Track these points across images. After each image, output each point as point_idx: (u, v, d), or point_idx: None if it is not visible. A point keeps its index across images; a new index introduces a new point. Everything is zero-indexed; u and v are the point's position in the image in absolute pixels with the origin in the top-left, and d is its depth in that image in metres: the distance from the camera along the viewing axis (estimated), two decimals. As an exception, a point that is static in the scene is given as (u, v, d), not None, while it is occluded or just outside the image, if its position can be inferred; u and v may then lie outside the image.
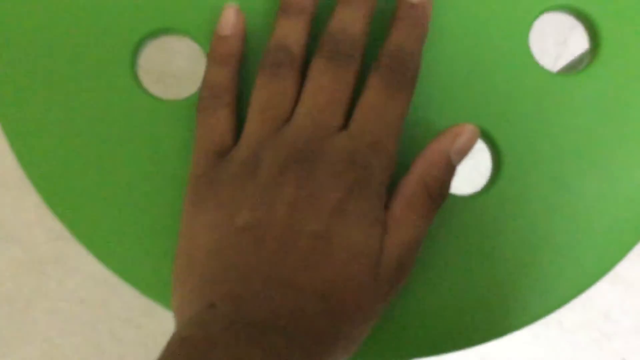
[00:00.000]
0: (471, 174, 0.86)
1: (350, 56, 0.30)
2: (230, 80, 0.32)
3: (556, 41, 0.96)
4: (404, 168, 0.31)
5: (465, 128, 0.30)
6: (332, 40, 0.30)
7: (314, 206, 0.28)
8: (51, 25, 0.34)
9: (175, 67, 0.97)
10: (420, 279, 0.33)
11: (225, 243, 0.29)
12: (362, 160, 0.29)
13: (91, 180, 0.33)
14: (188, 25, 0.34)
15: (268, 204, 0.28)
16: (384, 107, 0.30)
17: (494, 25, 0.33)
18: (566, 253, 0.33)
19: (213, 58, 0.32)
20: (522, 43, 0.33)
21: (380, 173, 0.29)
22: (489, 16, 0.33)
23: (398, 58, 0.30)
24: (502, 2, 0.33)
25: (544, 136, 0.33)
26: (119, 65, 0.34)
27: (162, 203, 0.33)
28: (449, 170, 0.30)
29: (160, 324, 0.96)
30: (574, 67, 0.61)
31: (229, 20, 0.32)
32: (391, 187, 0.30)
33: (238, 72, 0.33)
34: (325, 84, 0.30)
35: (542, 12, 0.33)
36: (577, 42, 0.96)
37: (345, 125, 0.30)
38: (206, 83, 0.32)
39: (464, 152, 0.30)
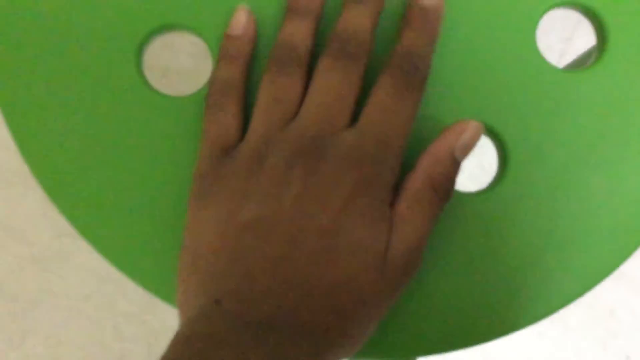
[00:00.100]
0: (475, 172, 0.86)
1: (357, 55, 0.30)
2: (239, 78, 0.32)
3: (561, 38, 0.96)
4: (410, 165, 0.30)
5: (469, 124, 0.30)
6: (340, 39, 0.31)
7: (321, 203, 0.28)
8: (57, 20, 0.34)
9: (178, 64, 0.97)
10: (425, 277, 0.33)
11: (231, 239, 0.29)
12: (369, 158, 0.29)
13: (96, 176, 0.33)
14: (193, 21, 0.34)
15: (274, 199, 0.28)
16: (393, 107, 0.30)
17: (501, 21, 0.33)
18: (572, 251, 0.33)
19: (223, 56, 0.33)
20: (529, 39, 0.33)
21: (387, 170, 0.29)
22: (496, 12, 0.33)
23: (409, 59, 0.30)
24: (509, -2, 0.33)
25: (550, 133, 0.33)
26: (125, 61, 0.34)
27: (167, 199, 0.33)
28: (454, 167, 0.30)
29: (164, 320, 0.96)
30: (580, 64, 0.61)
31: (240, 20, 0.33)
32: (396, 185, 0.30)
33: (246, 71, 0.33)
34: (332, 82, 0.30)
35: (549, 8, 0.33)
36: (582, 39, 0.96)
37: (351, 124, 0.30)
38: (215, 80, 0.33)
39: (468, 148, 0.30)
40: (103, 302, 0.96)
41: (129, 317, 0.96)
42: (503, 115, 0.33)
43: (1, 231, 0.97)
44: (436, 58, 0.33)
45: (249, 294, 0.27)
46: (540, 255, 0.33)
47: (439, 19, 0.32)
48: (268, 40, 0.34)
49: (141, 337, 0.96)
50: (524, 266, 0.33)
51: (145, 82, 0.34)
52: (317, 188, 0.28)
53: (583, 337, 0.96)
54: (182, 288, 0.30)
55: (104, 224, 0.33)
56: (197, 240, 0.30)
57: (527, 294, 0.33)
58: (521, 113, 0.33)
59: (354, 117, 0.31)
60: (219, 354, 0.24)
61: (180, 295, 0.30)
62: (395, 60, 0.31)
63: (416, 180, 0.30)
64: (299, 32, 0.32)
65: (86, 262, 0.97)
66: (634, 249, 0.33)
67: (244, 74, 0.33)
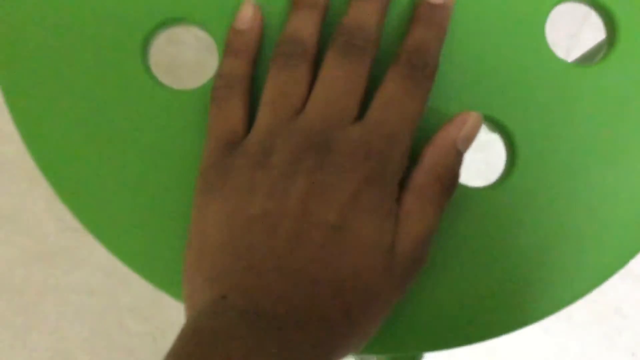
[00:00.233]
0: (481, 168, 0.85)
1: (364, 49, 0.30)
2: (245, 72, 0.32)
3: (567, 34, 0.95)
4: (416, 159, 0.30)
5: (469, 115, 0.30)
6: (346, 32, 0.31)
7: (328, 197, 0.28)
8: (62, 13, 0.34)
9: (183, 58, 0.97)
10: (432, 272, 0.32)
11: (237, 233, 0.29)
12: (377, 152, 0.29)
13: (102, 170, 0.33)
14: (200, 15, 0.34)
15: (281, 194, 0.28)
16: (401, 101, 0.30)
17: (511, 15, 0.33)
18: (580, 247, 0.33)
19: (229, 50, 0.33)
20: (539, 33, 0.33)
21: (394, 165, 0.29)
22: (506, 5, 0.33)
23: (418, 55, 0.30)
24: (518, -8, 0.33)
25: (559, 128, 0.33)
26: (131, 54, 0.34)
27: (173, 193, 0.33)
28: (458, 158, 0.30)
29: (170, 315, 0.96)
30: (588, 59, 0.61)
31: (247, 14, 0.33)
32: (402, 180, 0.30)
33: (253, 64, 0.33)
34: (339, 76, 0.30)
35: (559, 2, 0.33)
36: (589, 35, 0.96)
37: (358, 118, 0.30)
38: (221, 73, 0.32)
39: (470, 140, 0.31)
40: (108, 297, 0.96)
41: (134, 312, 0.96)
42: (511, 110, 0.33)
43: (6, 225, 0.98)
44: (445, 52, 0.33)
45: (255, 288, 0.27)
46: (549, 251, 0.32)
47: (448, 15, 0.32)
48: (275, 34, 0.33)
49: (146, 332, 0.96)
50: (532, 262, 0.32)
51: (152, 76, 0.34)
52: (324, 183, 0.28)
53: (588, 334, 0.96)
54: (188, 283, 0.30)
55: (110, 217, 0.33)
56: (203, 235, 0.30)
57: (535, 290, 0.32)
58: (530, 107, 0.33)
59: (361, 111, 0.30)
60: (225, 348, 0.24)
61: (186, 290, 0.30)
62: (403, 55, 0.30)
63: (421, 174, 0.30)
64: (306, 26, 0.32)
65: (91, 256, 0.97)
66: (644, 244, 0.33)
67: (250, 68, 0.33)
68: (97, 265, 0.97)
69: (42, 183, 0.97)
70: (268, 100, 0.31)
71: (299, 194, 0.28)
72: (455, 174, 0.30)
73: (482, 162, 0.87)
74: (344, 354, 0.28)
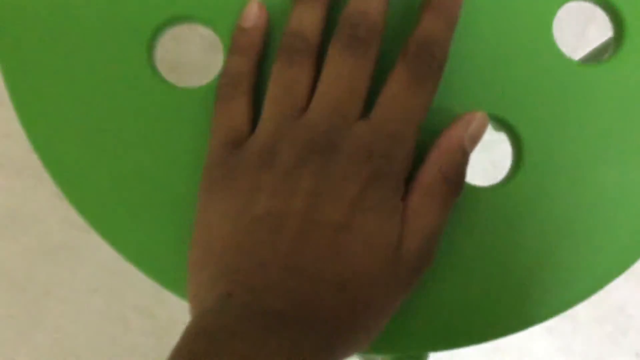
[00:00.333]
0: (486, 167, 0.85)
1: (368, 40, 0.30)
2: (250, 70, 0.32)
3: (574, 33, 0.95)
4: (422, 157, 0.30)
5: (475, 114, 0.30)
6: (349, 24, 0.30)
7: (333, 196, 0.28)
8: (68, 11, 0.34)
9: (187, 57, 0.97)
10: (437, 272, 0.32)
11: (242, 232, 0.28)
12: (382, 151, 0.29)
13: (106, 168, 0.33)
14: (205, 13, 0.34)
15: (286, 193, 0.28)
16: (407, 98, 0.29)
17: (518, 14, 0.33)
18: (586, 247, 0.32)
19: (234, 48, 0.33)
20: (546, 32, 0.33)
21: (399, 163, 0.29)
22: (514, 4, 0.33)
23: (426, 47, 0.30)
24: (525, -10, 0.33)
25: (566, 128, 0.33)
26: (136, 52, 0.34)
27: (178, 191, 0.33)
28: (464, 158, 0.30)
29: (174, 313, 0.96)
30: (594, 58, 0.61)
31: (252, 12, 0.33)
32: (408, 178, 0.30)
33: (257, 63, 0.33)
34: (343, 72, 0.30)
35: (567, 1, 0.33)
36: (595, 34, 0.95)
37: (364, 113, 0.30)
38: (226, 72, 0.32)
39: (476, 139, 0.30)
40: (112, 295, 0.96)
41: (138, 310, 0.96)
42: (519, 109, 0.33)
43: (10, 223, 0.98)
44: (452, 50, 0.33)
45: (261, 286, 0.27)
46: (555, 251, 0.32)
47: (459, 5, 0.31)
48: (280, 32, 0.33)
49: (150, 330, 0.96)
50: (537, 262, 0.32)
51: (157, 74, 0.34)
52: (329, 182, 0.28)
53: (592, 333, 0.95)
54: (193, 281, 0.30)
55: (114, 215, 0.33)
56: (208, 233, 0.30)
57: (541, 290, 0.32)
58: (537, 106, 0.33)
59: (368, 105, 0.30)
60: (231, 346, 0.24)
61: (191, 289, 0.30)
62: (412, 48, 0.30)
63: (427, 173, 0.30)
64: (309, 20, 0.31)
65: (95, 254, 0.97)
66: (650, 245, 0.33)
67: (255, 65, 0.32)
68: (101, 263, 0.97)
69: (46, 181, 0.98)
70: (272, 98, 0.31)
71: (304, 193, 0.28)
72: (462, 174, 0.30)
73: (487, 161, 0.87)
74: (349, 352, 0.28)
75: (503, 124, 0.33)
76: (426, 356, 0.68)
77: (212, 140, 0.32)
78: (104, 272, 0.97)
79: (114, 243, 0.33)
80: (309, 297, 0.27)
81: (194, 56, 0.97)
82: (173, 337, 0.96)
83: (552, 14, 0.33)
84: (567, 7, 0.33)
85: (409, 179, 0.30)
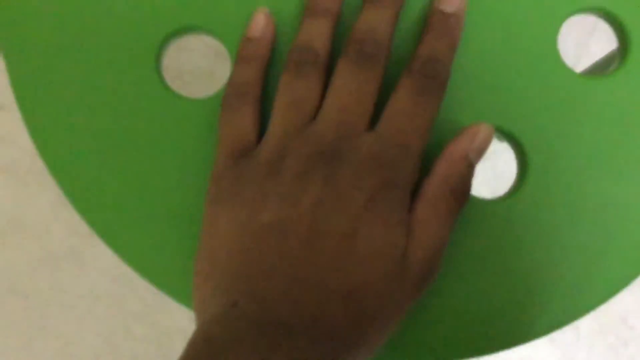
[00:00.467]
0: (488, 177, 0.85)
1: (375, 57, 0.30)
2: (256, 80, 0.32)
3: (577, 44, 0.95)
4: (428, 169, 0.30)
5: (481, 126, 0.30)
6: (358, 40, 0.31)
7: (340, 206, 0.28)
8: (77, 20, 0.34)
9: (193, 66, 0.97)
10: (441, 284, 0.32)
11: (249, 241, 0.29)
12: (389, 162, 0.29)
13: (112, 176, 0.33)
14: (212, 24, 0.34)
15: (293, 202, 0.28)
16: (413, 111, 0.30)
17: (523, 26, 0.33)
18: (591, 260, 0.32)
19: (241, 58, 0.33)
20: (551, 45, 0.33)
21: (406, 175, 0.29)
22: (518, 17, 0.33)
23: (430, 64, 0.30)
24: (532, 3, 0.33)
25: (571, 140, 0.33)
26: (144, 62, 0.34)
27: (183, 199, 0.33)
28: (470, 169, 0.30)
29: (176, 320, 0.96)
30: (598, 70, 0.61)
31: (259, 22, 0.33)
32: (414, 190, 0.30)
33: (264, 73, 0.33)
34: (351, 84, 0.30)
35: (572, 14, 0.33)
36: (598, 45, 0.96)
37: (370, 126, 0.30)
38: (232, 81, 0.33)
39: (482, 151, 0.31)
40: (114, 301, 0.96)
41: (140, 317, 0.96)
42: (523, 121, 0.33)
43: (14, 230, 0.98)
44: (456, 61, 0.33)
45: (267, 296, 0.27)
46: (559, 264, 0.32)
47: (460, 24, 0.32)
48: (287, 42, 0.33)
49: (152, 337, 0.96)
50: (542, 275, 0.32)
51: (164, 84, 0.34)
52: (336, 192, 0.28)
53: (594, 344, 0.95)
54: (200, 289, 0.30)
55: (119, 222, 0.33)
56: (214, 243, 0.30)
57: (545, 302, 0.32)
58: (541, 119, 0.33)
59: (374, 119, 0.30)
60: (235, 356, 0.24)
61: (196, 297, 0.30)
62: (416, 65, 0.31)
63: (433, 185, 0.30)
64: (317, 34, 0.32)
65: (98, 261, 0.97)
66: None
67: (261, 76, 0.33)
68: (104, 270, 0.97)
69: (49, 188, 0.98)
70: (280, 110, 0.31)
71: (311, 203, 0.28)
72: (467, 185, 0.30)
73: (489, 170, 0.87)
74: (354, 363, 0.28)
75: (508, 137, 0.33)
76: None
77: (218, 151, 0.32)
78: (107, 279, 0.97)
79: (119, 251, 0.33)
80: (314, 308, 0.27)
81: (198, 64, 0.97)
82: (175, 344, 0.96)
83: (557, 26, 0.33)
84: (571, 18, 0.33)
85: (415, 190, 0.30)
